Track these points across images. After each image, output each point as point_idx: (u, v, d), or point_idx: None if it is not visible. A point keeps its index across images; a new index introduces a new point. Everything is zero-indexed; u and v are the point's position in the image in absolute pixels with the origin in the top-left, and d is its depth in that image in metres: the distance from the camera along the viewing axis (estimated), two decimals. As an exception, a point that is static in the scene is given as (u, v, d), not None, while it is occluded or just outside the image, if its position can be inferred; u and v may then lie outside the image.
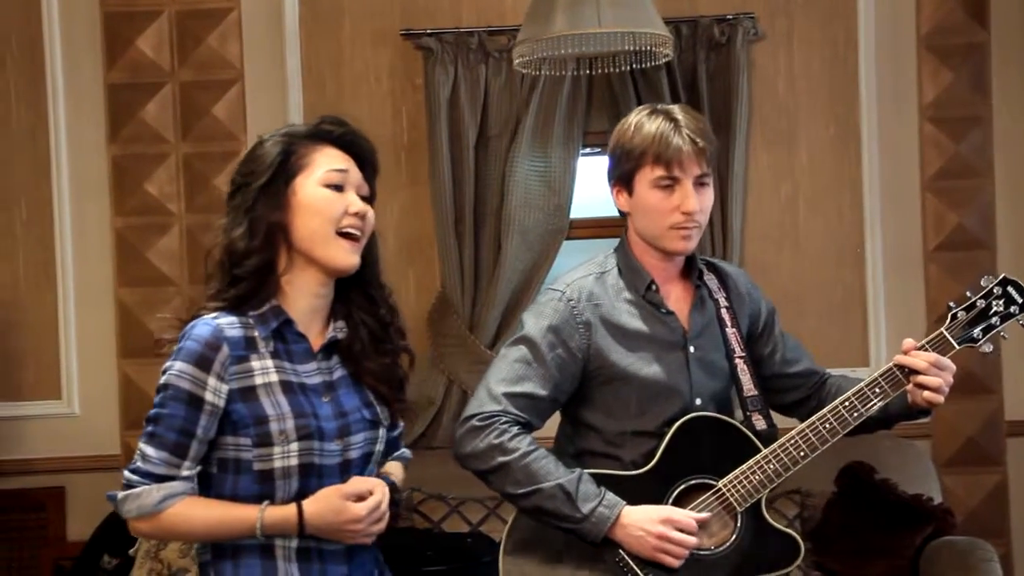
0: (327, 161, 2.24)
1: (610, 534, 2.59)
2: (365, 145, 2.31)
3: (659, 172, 2.61)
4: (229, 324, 2.18)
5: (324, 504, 2.17)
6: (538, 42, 3.85)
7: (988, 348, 2.64)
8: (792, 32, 4.55)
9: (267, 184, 2.20)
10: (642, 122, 2.65)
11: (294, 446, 2.16)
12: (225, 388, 2.15)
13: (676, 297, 2.74)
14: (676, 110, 2.67)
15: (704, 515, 2.63)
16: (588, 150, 4.56)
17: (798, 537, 2.70)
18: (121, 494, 2.17)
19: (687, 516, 2.61)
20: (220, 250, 2.22)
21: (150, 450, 2.15)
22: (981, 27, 4.50)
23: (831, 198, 4.56)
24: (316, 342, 2.26)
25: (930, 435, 4.47)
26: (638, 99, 4.36)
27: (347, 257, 2.23)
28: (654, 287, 2.70)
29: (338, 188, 2.23)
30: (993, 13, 4.50)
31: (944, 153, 4.51)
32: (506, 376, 2.66)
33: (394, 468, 2.44)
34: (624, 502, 2.60)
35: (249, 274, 2.19)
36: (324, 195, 2.21)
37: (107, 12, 4.50)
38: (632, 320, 2.69)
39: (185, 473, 2.15)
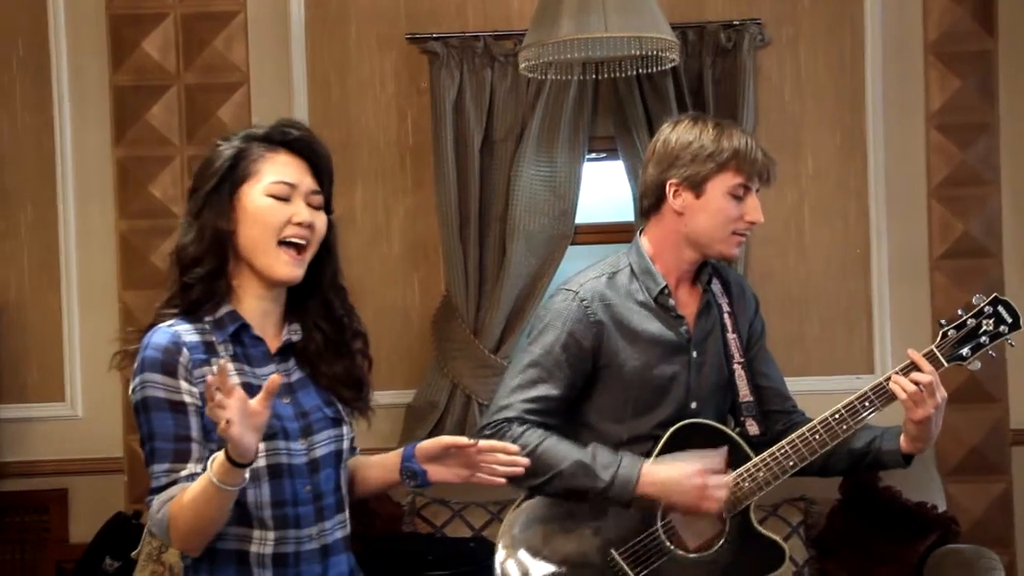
0: (275, 171, 2.20)
1: (642, 492, 2.64)
2: (320, 152, 2.25)
3: (739, 180, 2.70)
4: (186, 330, 2.17)
5: None
6: (544, 46, 3.84)
7: (976, 366, 2.71)
8: (798, 38, 4.54)
9: (214, 190, 2.19)
10: (724, 131, 2.73)
11: (260, 447, 2.12)
12: (196, 391, 2.13)
13: (684, 302, 2.79)
14: (736, 124, 2.87)
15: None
16: (593, 155, 4.55)
17: (783, 544, 2.77)
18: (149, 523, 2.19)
19: (715, 458, 2.68)
20: (172, 254, 2.22)
21: (154, 467, 2.14)
22: (988, 34, 4.49)
23: (837, 205, 4.55)
24: (272, 344, 2.25)
25: (934, 443, 4.44)
26: (644, 104, 4.36)
27: (285, 269, 2.19)
28: (667, 291, 2.75)
29: (284, 199, 2.19)
30: (1001, 21, 4.49)
31: (951, 161, 4.50)
32: (520, 382, 2.72)
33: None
34: (643, 459, 2.66)
35: (199, 280, 2.18)
36: (267, 204, 2.18)
37: (113, 14, 4.50)
38: (642, 322, 2.74)
39: (184, 474, 2.12)
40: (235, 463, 2.00)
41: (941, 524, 4.02)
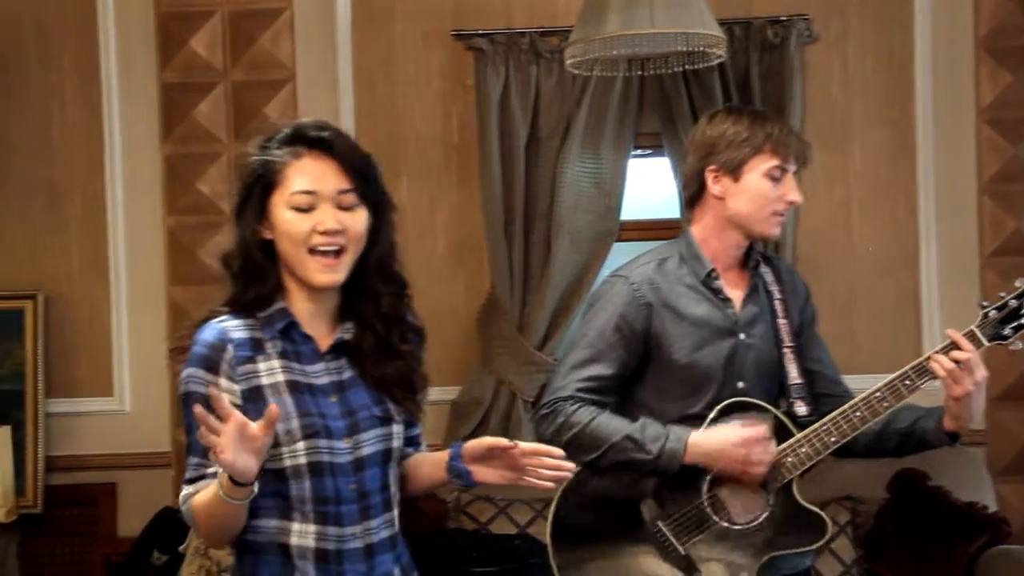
0: (297, 180, 2.17)
1: (691, 462, 2.76)
2: (344, 147, 2.21)
3: (775, 162, 2.81)
4: (235, 326, 2.19)
5: None
6: (590, 43, 3.83)
7: (1018, 346, 2.75)
8: (847, 34, 4.50)
9: (244, 202, 2.20)
10: (757, 118, 2.86)
11: (300, 445, 2.15)
12: (237, 388, 2.15)
13: (732, 286, 2.90)
14: (770, 113, 2.99)
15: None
16: (639, 151, 4.54)
17: (826, 517, 2.84)
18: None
19: (759, 426, 2.77)
20: (219, 261, 2.25)
21: (189, 459, 2.19)
22: (1040, 29, 4.44)
23: (886, 201, 4.51)
24: (324, 342, 2.25)
25: (985, 443, 4.40)
26: (690, 100, 4.34)
27: (321, 277, 2.18)
28: (714, 274, 2.86)
29: (306, 209, 2.16)
30: (1053, 15, 4.44)
31: (1002, 156, 4.45)
32: (574, 363, 2.87)
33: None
34: (690, 431, 2.77)
35: (248, 285, 2.21)
36: (289, 218, 2.16)
37: (161, 12, 4.54)
38: (689, 305, 2.85)
39: (211, 470, 2.14)
40: (236, 482, 2.03)
41: (992, 525, 3.98)
